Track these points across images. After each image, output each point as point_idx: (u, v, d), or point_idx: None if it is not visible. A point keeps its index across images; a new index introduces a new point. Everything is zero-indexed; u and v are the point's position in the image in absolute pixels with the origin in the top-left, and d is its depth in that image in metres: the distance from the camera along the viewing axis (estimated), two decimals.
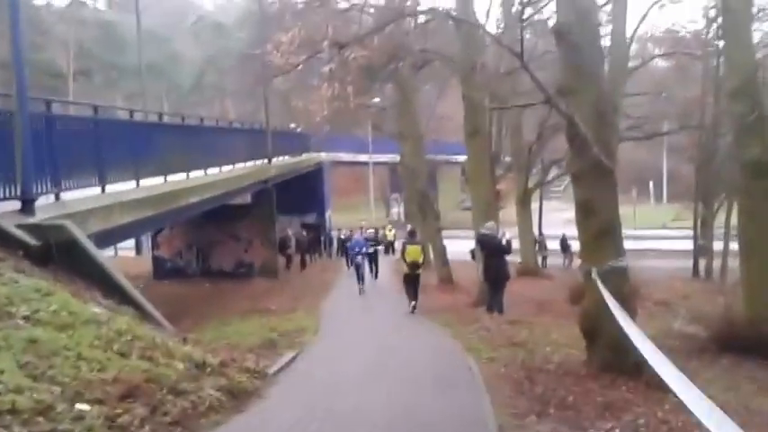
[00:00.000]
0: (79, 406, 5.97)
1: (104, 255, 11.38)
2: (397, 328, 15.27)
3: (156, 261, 30.53)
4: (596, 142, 8.74)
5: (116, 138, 15.38)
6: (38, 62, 43.04)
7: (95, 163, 13.91)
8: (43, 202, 11.74)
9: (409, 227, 20.23)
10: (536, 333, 13.06)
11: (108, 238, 14.52)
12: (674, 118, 29.47)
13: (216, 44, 61.29)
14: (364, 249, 23.73)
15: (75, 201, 12.61)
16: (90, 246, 11.09)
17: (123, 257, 37.87)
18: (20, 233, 10.22)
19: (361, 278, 22.87)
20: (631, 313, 8.74)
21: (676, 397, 5.70)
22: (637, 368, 8.42)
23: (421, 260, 17.96)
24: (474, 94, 18.44)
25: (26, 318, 7.49)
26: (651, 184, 55.31)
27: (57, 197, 12.27)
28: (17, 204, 10.80)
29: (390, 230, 37.78)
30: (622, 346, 8.45)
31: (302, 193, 37.45)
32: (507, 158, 32.14)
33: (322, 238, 38.43)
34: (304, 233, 34.12)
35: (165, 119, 19.58)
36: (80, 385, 6.32)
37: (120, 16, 56.75)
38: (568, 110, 9.13)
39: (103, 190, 13.99)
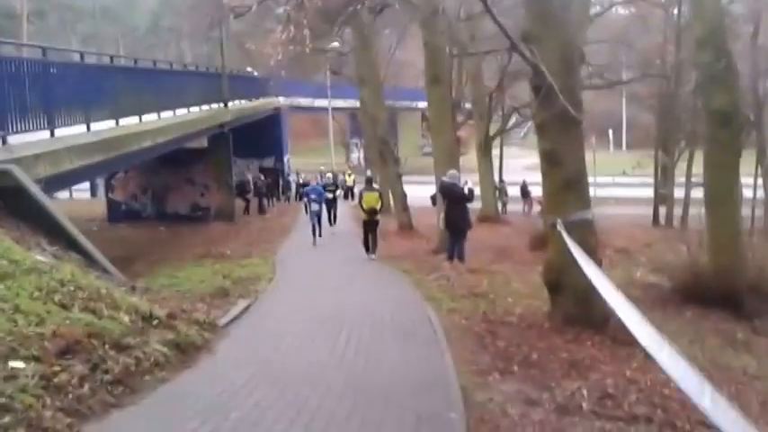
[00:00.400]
0: (12, 364, 5.53)
1: (51, 200, 10.75)
2: (354, 276, 14.85)
3: (111, 204, 29.94)
4: (562, 91, 8.31)
5: (66, 81, 14.71)
6: None
7: (44, 106, 13.27)
8: None
9: (367, 174, 20.69)
10: (497, 282, 12.80)
11: (57, 182, 14.11)
12: (635, 66, 29.21)
13: None
14: (321, 197, 21.19)
15: (22, 145, 11.98)
16: (36, 191, 10.55)
17: (77, 200, 37.20)
18: None
19: (315, 229, 20.53)
20: (596, 264, 8.47)
21: (644, 353, 5.43)
22: (603, 322, 8.18)
23: (378, 207, 17.96)
24: (435, 41, 17.87)
25: None
26: (611, 132, 55.38)
27: (3, 141, 11.60)
28: None
29: (350, 176, 37.42)
30: (588, 299, 8.21)
31: (260, 137, 36.81)
32: (468, 105, 31.72)
33: (280, 182, 37.88)
34: (262, 177, 33.48)
35: (119, 61, 18.63)
36: (15, 341, 5.87)
37: None
38: (533, 58, 8.67)
39: (53, 134, 13.39)
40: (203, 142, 29.15)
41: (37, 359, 5.74)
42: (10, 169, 10.18)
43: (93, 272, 10.17)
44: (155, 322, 7.92)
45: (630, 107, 51.41)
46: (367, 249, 17.89)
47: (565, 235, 8.40)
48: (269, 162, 38.32)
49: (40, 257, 8.65)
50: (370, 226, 17.93)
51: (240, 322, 9.49)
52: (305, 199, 21.99)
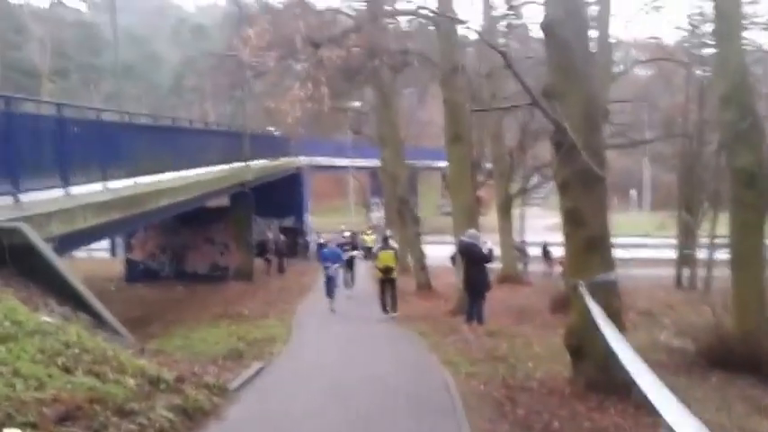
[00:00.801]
0: (8, 431, 5.28)
1: (68, 259, 10.59)
2: (371, 337, 14.53)
3: (129, 263, 29.89)
4: (585, 148, 8.09)
5: (82, 138, 14.62)
6: (14, 61, 42.07)
7: (59, 164, 13.16)
8: (0, 203, 11.06)
9: (386, 233, 20.17)
10: (517, 345, 12.41)
11: (71, 241, 13.82)
12: (657, 126, 29.05)
13: (196, 46, 60.28)
14: (338, 262, 19.58)
15: (34, 203, 11.85)
16: (47, 250, 10.36)
17: (96, 259, 37.11)
18: None
19: (331, 292, 19.04)
20: (620, 329, 8.13)
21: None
22: (626, 388, 7.79)
23: (394, 265, 18.18)
24: (455, 98, 17.80)
25: None
26: (634, 192, 54.94)
27: (15, 199, 11.46)
28: None
29: (370, 235, 37.14)
30: (610, 364, 7.84)
31: (281, 196, 36.87)
32: (488, 165, 31.57)
33: (300, 242, 37.74)
34: (282, 237, 33.37)
35: (138, 119, 18.70)
36: (12, 406, 5.61)
37: (99, 17, 55.92)
38: (555, 113, 8.49)
39: (67, 192, 13.24)
40: (224, 201, 29.24)
41: (34, 426, 5.50)
42: (19, 227, 10.02)
43: (102, 333, 9.95)
44: (162, 386, 7.66)
45: (653, 167, 51.00)
46: (384, 308, 18.08)
47: (587, 298, 8.09)
48: (289, 221, 38.23)
49: (46, 318, 8.43)
50: (387, 284, 18.12)
51: (252, 386, 9.20)
52: (322, 263, 19.77)
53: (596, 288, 8.28)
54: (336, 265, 19.35)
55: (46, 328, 7.82)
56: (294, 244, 36.38)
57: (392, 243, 18.79)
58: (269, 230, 33.84)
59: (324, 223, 44.09)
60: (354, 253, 23.42)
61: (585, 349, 8.53)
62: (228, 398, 8.36)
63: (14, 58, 42.49)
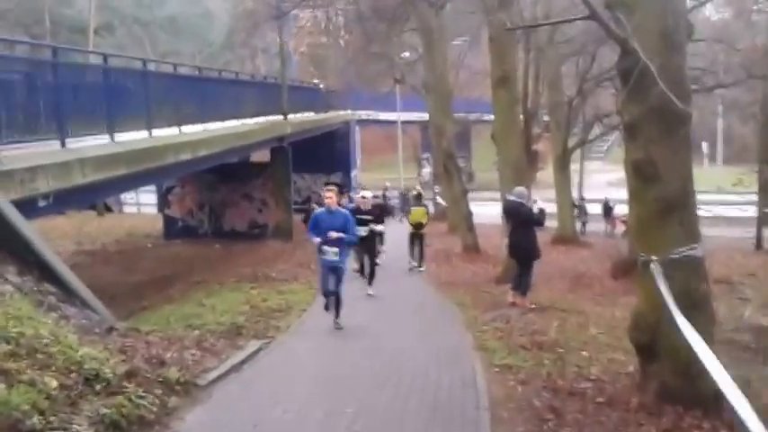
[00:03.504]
0: None
1: (28, 222, 8.83)
2: (401, 310, 12.46)
3: (168, 220, 28.49)
4: (662, 75, 5.84)
5: (84, 86, 12.88)
6: (63, 18, 40.80)
7: (53, 114, 11.45)
8: None
9: (416, 188, 20.40)
10: (569, 326, 10.16)
11: (69, 198, 12.26)
12: (735, 70, 25.90)
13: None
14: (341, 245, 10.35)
15: (18, 156, 10.17)
16: (10, 211, 8.61)
17: (145, 215, 36.10)
18: None
19: (329, 291, 10.54)
20: (708, 321, 5.99)
21: None
22: (715, 400, 5.67)
23: (424, 221, 18.36)
24: (502, 35, 15.40)
25: None
26: (705, 144, 51.31)
27: None
28: None
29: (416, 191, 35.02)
30: (692, 368, 5.74)
31: (328, 151, 35.29)
32: (545, 118, 29.08)
33: (344, 198, 36.03)
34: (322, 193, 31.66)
35: (150, 66, 16.91)
36: None
37: None
38: (621, 30, 6.23)
39: (63, 144, 11.54)
40: (266, 156, 27.72)
41: None
42: None
43: (67, 309, 8.24)
44: (99, 386, 5.86)
45: (726, 117, 47.23)
46: (412, 261, 18.33)
47: (662, 279, 5.94)
48: (336, 177, 36.43)
49: None
50: (416, 238, 18.31)
51: (233, 378, 7.31)
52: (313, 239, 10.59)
53: (674, 265, 6.07)
54: (335, 249, 10.20)
55: None
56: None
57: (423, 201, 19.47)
58: (314, 186, 32.72)
59: (373, 179, 42.36)
60: (378, 228, 14.83)
61: (658, 347, 6.30)
62: (193, 397, 6.53)
63: (64, 14, 41.09)
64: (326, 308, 10.73)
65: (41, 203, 10.86)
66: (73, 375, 5.80)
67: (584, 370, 7.63)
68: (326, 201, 10.39)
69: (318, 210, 11.00)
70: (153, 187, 30.33)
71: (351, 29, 17.80)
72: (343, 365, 7.98)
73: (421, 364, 7.93)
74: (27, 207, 10.23)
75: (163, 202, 29.24)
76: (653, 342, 6.34)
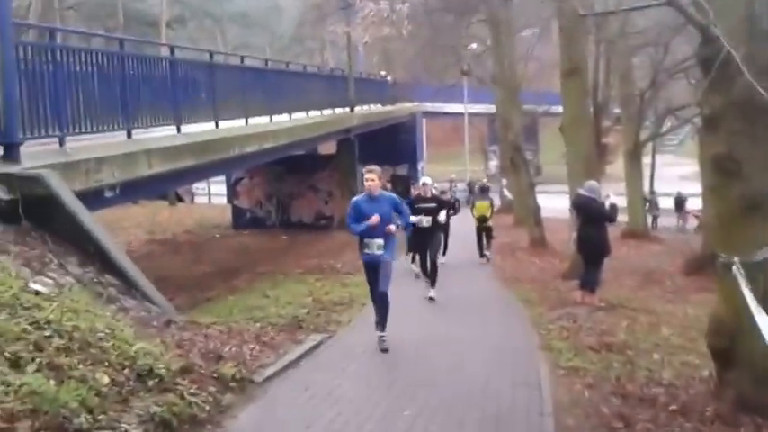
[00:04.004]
0: None
1: (90, 214, 8.76)
2: (466, 305, 12.00)
3: (236, 211, 28.97)
4: (747, 64, 5.33)
5: (151, 78, 12.83)
6: (136, 12, 41.57)
7: (120, 105, 11.45)
8: (45, 148, 9.57)
9: (479, 183, 19.96)
10: (639, 326, 9.65)
11: (134, 189, 12.27)
12: None
13: None
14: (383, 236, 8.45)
15: (84, 147, 10.19)
16: (72, 202, 8.55)
17: (215, 206, 36.51)
18: None
19: (378, 298, 8.76)
20: None
21: None
22: None
23: (489, 214, 18.27)
24: (571, 23, 14.82)
25: None
26: None
27: (60, 142, 9.80)
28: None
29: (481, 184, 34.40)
30: None
31: (395, 143, 34.87)
32: (616, 110, 28.19)
33: (412, 189, 35.72)
34: (389, 186, 31.48)
35: (218, 58, 16.87)
36: None
37: None
38: (702, 15, 5.73)
39: (130, 136, 11.58)
40: (332, 148, 27.74)
41: None
42: (41, 175, 8.28)
43: (126, 301, 8.15)
44: (152, 382, 5.70)
45: None
46: (481, 253, 18.30)
47: (743, 283, 5.46)
48: (403, 169, 36.19)
49: (36, 287, 6.59)
50: (482, 231, 18.32)
51: (290, 375, 7.09)
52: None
53: (758, 268, 5.56)
54: (379, 240, 8.39)
55: (25, 301, 5.98)
56: (405, 192, 34.44)
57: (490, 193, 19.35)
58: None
59: (440, 171, 41.95)
60: (440, 217, 12.46)
61: (738, 353, 5.82)
62: (248, 394, 6.32)
63: (137, 8, 41.86)
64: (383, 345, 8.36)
65: (108, 194, 10.88)
66: (126, 371, 5.64)
67: (656, 374, 7.16)
68: (367, 184, 8.44)
69: (357, 197, 8.78)
70: (223, 178, 30.68)
71: (416, 20, 17.37)
72: (402, 364, 7.68)
73: (483, 365, 7.58)
74: (93, 198, 10.26)
75: (231, 193, 29.53)
76: (732, 348, 5.85)
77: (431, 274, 12.33)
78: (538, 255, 19.75)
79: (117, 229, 26.94)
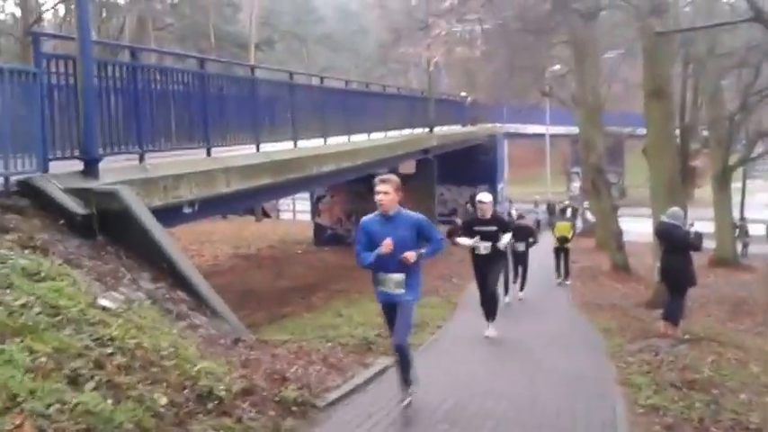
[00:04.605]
0: None
1: (164, 230, 8.74)
2: (541, 332, 11.57)
3: (317, 228, 29.41)
4: None
5: (232, 97, 12.92)
6: (227, 34, 42.58)
7: (199, 123, 11.54)
8: (125, 164, 9.61)
9: (561, 204, 19.74)
10: (725, 362, 8.94)
11: (212, 205, 12.22)
12: None
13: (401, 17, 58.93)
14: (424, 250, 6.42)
15: (163, 164, 10.27)
16: (146, 217, 8.55)
17: (300, 222, 36.84)
18: (64, 199, 7.91)
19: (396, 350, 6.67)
20: None
21: None
22: None
23: (570, 235, 18.09)
24: (656, 45, 14.22)
25: None
26: None
27: (140, 158, 9.89)
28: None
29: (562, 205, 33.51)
30: None
31: (474, 164, 34.61)
32: (704, 133, 27.08)
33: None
34: (469, 206, 31.14)
35: (298, 78, 16.92)
36: None
37: None
38: None
39: (209, 153, 11.63)
40: (411, 168, 27.59)
41: None
42: (117, 191, 8.32)
43: (196, 318, 8.05)
44: (211, 404, 5.53)
45: None
46: (558, 275, 18.14)
47: None
48: (482, 190, 35.70)
49: (104, 303, 6.53)
50: (561, 252, 18.09)
51: (353, 400, 6.82)
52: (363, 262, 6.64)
53: None
54: (398, 275, 6.35)
55: (91, 317, 5.91)
56: None
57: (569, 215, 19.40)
58: (460, 198, 33.25)
59: (521, 193, 41.38)
60: (501, 241, 10.20)
61: None
62: (310, 419, 6.08)
63: (227, 30, 42.88)
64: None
65: (186, 210, 10.92)
66: (185, 391, 5.49)
67: (743, 417, 6.54)
68: (378, 198, 6.29)
69: (367, 217, 6.62)
70: (307, 195, 31.00)
71: (492, 40, 17.04)
72: (471, 393, 7.32)
73: (555, 399, 7.13)
74: (172, 213, 10.32)
75: (314, 211, 29.82)
76: None
77: (488, 307, 10.63)
78: (620, 280, 19.08)
79: (205, 242, 27.51)
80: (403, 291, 6.36)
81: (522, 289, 15.31)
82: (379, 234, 6.28)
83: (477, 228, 10.20)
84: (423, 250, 6.37)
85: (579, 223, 30.69)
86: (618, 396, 7.35)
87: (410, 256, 6.19)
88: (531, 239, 15.11)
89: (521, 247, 15.06)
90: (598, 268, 21.02)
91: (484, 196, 10.53)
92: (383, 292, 6.51)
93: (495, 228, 10.19)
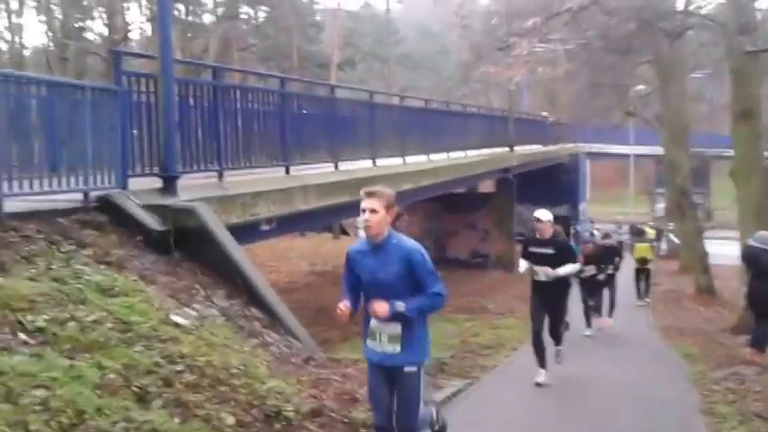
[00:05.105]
0: None
1: (239, 247, 8.74)
2: (622, 356, 11.06)
3: None
4: None
5: (310, 116, 13.03)
6: (309, 53, 43.13)
7: (278, 142, 11.59)
8: (204, 182, 9.67)
9: (638, 226, 19.22)
10: None
11: (290, 223, 12.21)
12: None
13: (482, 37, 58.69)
14: (416, 300, 4.48)
15: (242, 182, 10.34)
16: (222, 234, 8.59)
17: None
18: (142, 215, 8.01)
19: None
20: None
21: None
22: None
23: (650, 257, 17.68)
24: (744, 65, 13.58)
25: (39, 330, 5.02)
26: None
27: (219, 176, 9.97)
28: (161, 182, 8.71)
29: (651, 229, 31.95)
30: None
31: (555, 183, 34.04)
32: None
33: (571, 231, 34.35)
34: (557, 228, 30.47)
35: (377, 98, 16.89)
36: None
37: (394, 12, 56.52)
38: None
39: (288, 171, 11.65)
40: (491, 187, 27.38)
41: None
42: (194, 207, 8.37)
43: (269, 335, 8.00)
44: (278, 425, 5.42)
45: None
46: (639, 296, 17.77)
47: None
48: (563, 210, 34.89)
49: (177, 319, 6.54)
50: (641, 273, 17.72)
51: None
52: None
53: None
54: (392, 329, 4.53)
55: (162, 333, 5.92)
56: (566, 232, 33.23)
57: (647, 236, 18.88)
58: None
59: (602, 213, 40.37)
60: (566, 270, 8.42)
61: None
62: None
63: (310, 50, 43.46)
64: None
65: (264, 227, 10.93)
66: (253, 411, 5.41)
67: None
68: (364, 222, 4.53)
69: (353, 245, 4.91)
70: None
71: (575, 59, 16.65)
72: (545, 416, 7.00)
73: (635, 423, 6.76)
74: (250, 231, 10.35)
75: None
76: None
77: (537, 349, 8.60)
78: (705, 304, 18.30)
79: (283, 259, 27.75)
80: (398, 349, 4.53)
81: (610, 314, 13.74)
82: (361, 267, 4.64)
83: (532, 249, 8.51)
84: (401, 306, 4.40)
85: (663, 245, 29.64)
86: (701, 426, 6.93)
87: (380, 308, 4.42)
88: (617, 258, 13.52)
89: (608, 270, 13.21)
90: (682, 291, 20.23)
91: (542, 214, 8.55)
92: (372, 351, 4.66)
93: (551, 250, 8.28)
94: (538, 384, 8.33)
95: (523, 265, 8.54)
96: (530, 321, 8.71)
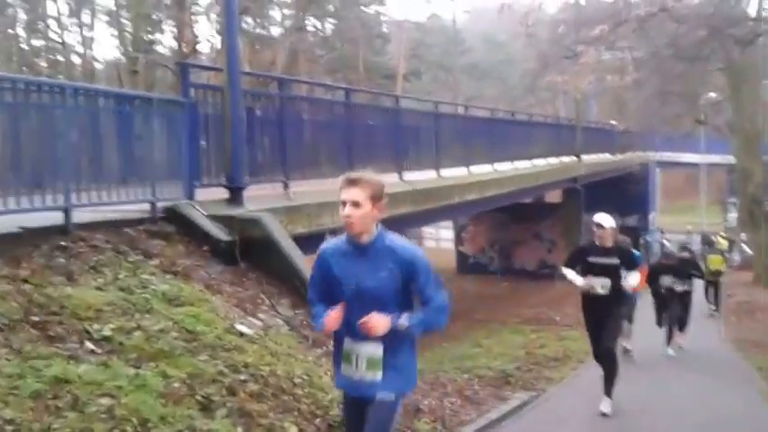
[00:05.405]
0: None
1: (303, 256, 8.73)
2: (689, 369, 10.62)
3: (460, 256, 29.08)
4: None
5: (375, 126, 12.96)
6: (375, 65, 43.31)
7: (344, 152, 11.57)
8: (270, 192, 9.73)
9: (709, 237, 19.01)
10: None
11: None
12: None
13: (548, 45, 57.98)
14: (407, 318, 3.59)
15: (306, 192, 10.37)
16: (287, 244, 8.61)
17: (443, 249, 36.62)
18: (208, 225, 8.10)
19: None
20: None
21: None
22: None
23: (722, 268, 17.83)
24: None
25: (105, 338, 5.09)
26: None
27: (285, 186, 10.02)
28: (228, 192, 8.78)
29: (724, 239, 30.34)
30: None
31: (624, 193, 32.84)
32: None
33: (641, 242, 33.35)
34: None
35: (442, 108, 16.75)
36: None
37: (461, 22, 56.36)
38: None
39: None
40: (556, 197, 26.87)
41: None
42: (260, 217, 8.41)
43: (332, 346, 7.97)
44: None
45: None
46: (708, 307, 17.65)
47: None
48: (632, 220, 33.98)
49: (241, 328, 6.56)
50: (711, 285, 17.48)
51: None
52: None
53: None
54: (372, 350, 3.59)
55: (227, 343, 5.93)
56: (635, 243, 32.30)
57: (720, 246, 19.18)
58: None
59: (673, 222, 39.27)
60: (632, 281, 7.31)
61: None
62: None
63: (376, 62, 43.65)
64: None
65: (328, 237, 10.89)
66: (317, 421, 5.39)
67: None
68: (344, 217, 3.58)
69: (330, 241, 3.91)
70: (450, 223, 30.73)
71: (643, 67, 16.20)
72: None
73: None
74: (315, 241, 10.29)
75: (457, 239, 29.53)
76: None
77: (605, 371, 7.49)
78: None
79: None
80: (378, 377, 3.62)
81: (682, 329, 12.32)
82: (342, 272, 3.68)
83: (592, 258, 7.33)
84: (403, 320, 3.56)
85: (737, 256, 28.51)
86: None
87: (377, 323, 3.50)
88: (696, 273, 12.31)
89: (685, 286, 12.00)
90: (756, 303, 19.42)
91: (603, 219, 7.34)
92: (347, 378, 3.72)
93: (616, 260, 7.22)
94: (603, 415, 7.28)
95: (578, 278, 7.41)
96: (590, 343, 7.74)
